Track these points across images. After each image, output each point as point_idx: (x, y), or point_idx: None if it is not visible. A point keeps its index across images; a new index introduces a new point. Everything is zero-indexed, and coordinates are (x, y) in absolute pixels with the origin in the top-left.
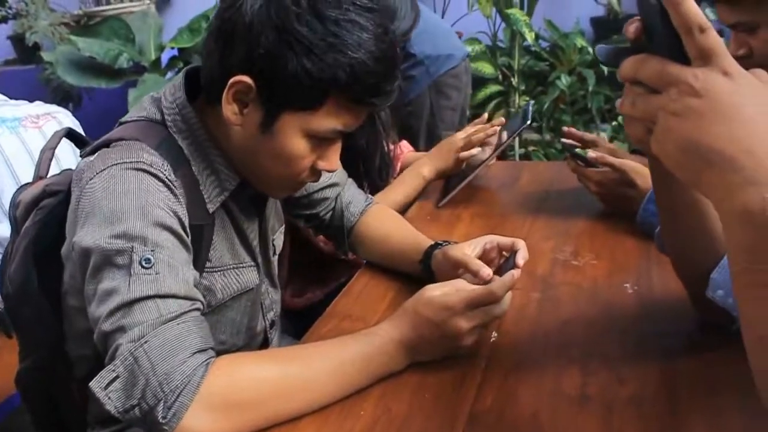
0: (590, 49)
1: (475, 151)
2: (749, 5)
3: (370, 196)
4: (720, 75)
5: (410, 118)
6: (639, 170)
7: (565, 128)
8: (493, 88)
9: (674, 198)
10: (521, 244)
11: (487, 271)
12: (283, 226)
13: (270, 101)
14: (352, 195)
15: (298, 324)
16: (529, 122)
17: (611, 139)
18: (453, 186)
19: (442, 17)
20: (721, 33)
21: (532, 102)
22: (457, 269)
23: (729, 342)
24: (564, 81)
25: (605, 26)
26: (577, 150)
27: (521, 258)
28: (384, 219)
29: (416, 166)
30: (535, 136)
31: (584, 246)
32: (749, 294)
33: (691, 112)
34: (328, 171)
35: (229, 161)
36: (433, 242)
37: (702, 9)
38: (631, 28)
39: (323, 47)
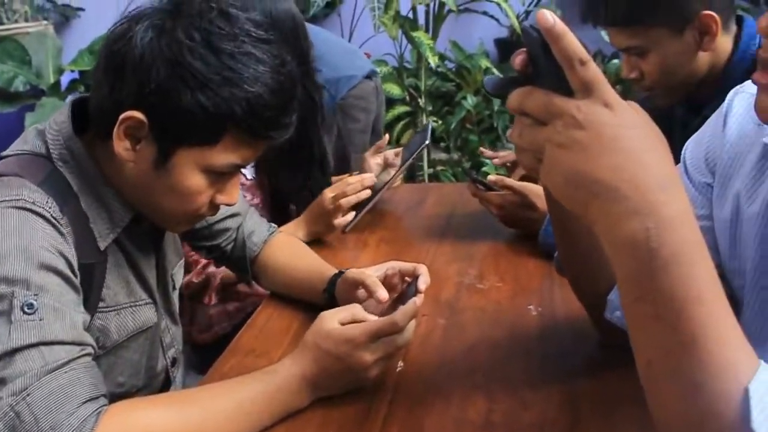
0: (495, 70)
1: (349, 217)
2: (639, 30)
3: (273, 225)
4: (602, 107)
5: None
6: (539, 192)
7: (481, 149)
8: (401, 109)
9: (568, 223)
10: (423, 270)
11: (383, 293)
12: (182, 259)
13: (164, 137)
14: (254, 224)
15: (206, 358)
16: (427, 142)
17: None
18: (358, 211)
19: (350, 39)
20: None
21: (431, 121)
22: (356, 290)
23: (627, 360)
24: (470, 101)
25: (509, 47)
26: (487, 169)
27: (423, 283)
28: (287, 248)
29: (292, 227)
30: (443, 156)
31: (489, 269)
32: (637, 323)
33: (576, 144)
34: (228, 205)
35: (121, 195)
36: (337, 270)
37: (598, 32)
38: (518, 60)
39: (218, 81)
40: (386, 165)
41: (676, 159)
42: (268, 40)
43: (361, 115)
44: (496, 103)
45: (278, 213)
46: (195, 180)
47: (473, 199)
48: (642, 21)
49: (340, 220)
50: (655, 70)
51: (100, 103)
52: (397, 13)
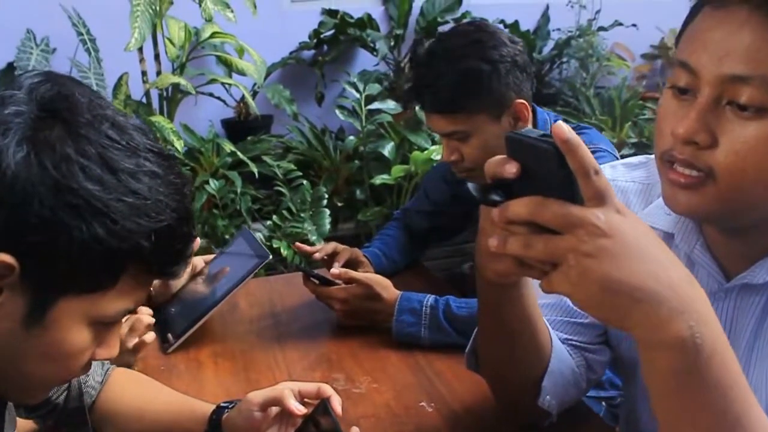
0: (238, 152)
1: (149, 338)
2: (462, 117)
3: (106, 362)
4: (617, 214)
5: None
6: (382, 282)
7: (297, 244)
8: None
9: (506, 319)
10: (329, 390)
11: (299, 406)
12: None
13: (41, 285)
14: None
15: None
16: (270, 257)
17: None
18: (182, 331)
19: None
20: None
21: (245, 227)
22: (264, 412)
23: None
24: (213, 185)
25: (236, 127)
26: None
27: (338, 405)
28: (134, 386)
29: None
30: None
31: (353, 370)
32: (682, 416)
33: (605, 252)
34: (107, 359)
35: None
36: (215, 405)
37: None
38: (512, 169)
39: (121, 210)
40: (195, 274)
41: None
42: (169, 156)
43: None
44: (238, 185)
45: None
46: (80, 336)
47: (285, 291)
48: (465, 109)
49: (149, 338)
50: (476, 153)
51: None
52: (128, 96)
